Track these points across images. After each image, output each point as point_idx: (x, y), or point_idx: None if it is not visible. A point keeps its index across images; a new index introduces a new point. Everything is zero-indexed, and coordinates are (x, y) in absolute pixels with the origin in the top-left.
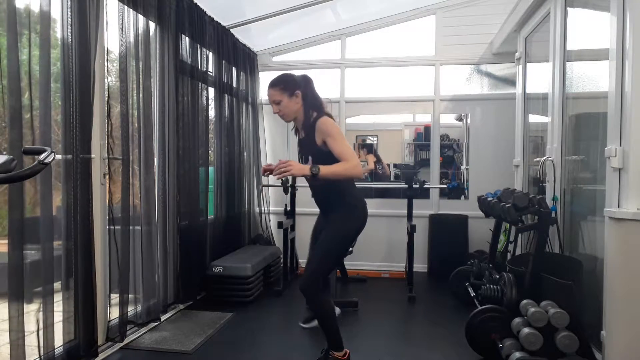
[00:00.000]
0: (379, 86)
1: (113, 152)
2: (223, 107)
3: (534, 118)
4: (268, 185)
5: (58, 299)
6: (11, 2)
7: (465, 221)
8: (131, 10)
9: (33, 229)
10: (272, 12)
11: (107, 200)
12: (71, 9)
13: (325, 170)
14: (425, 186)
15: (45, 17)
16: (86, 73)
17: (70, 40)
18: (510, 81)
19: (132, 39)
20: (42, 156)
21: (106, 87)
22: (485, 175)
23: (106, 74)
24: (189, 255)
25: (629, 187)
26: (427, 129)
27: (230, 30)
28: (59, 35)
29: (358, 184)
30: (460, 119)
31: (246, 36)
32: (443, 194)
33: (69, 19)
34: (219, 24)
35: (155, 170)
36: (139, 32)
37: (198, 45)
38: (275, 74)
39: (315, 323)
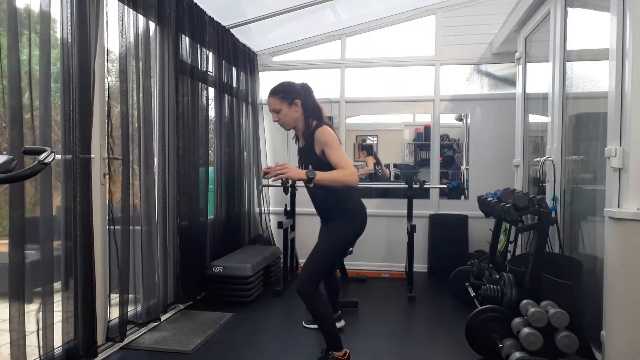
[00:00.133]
0: (379, 86)
1: (113, 152)
2: (223, 107)
3: (534, 118)
4: (268, 186)
5: (58, 299)
6: (11, 2)
7: (465, 221)
8: (131, 10)
9: (33, 229)
10: (272, 12)
11: (107, 200)
12: (71, 9)
13: (321, 175)
14: (425, 186)
15: (45, 17)
16: (86, 73)
17: (70, 40)
18: (510, 81)
19: (132, 39)
20: (42, 156)
21: (106, 87)
22: (485, 175)
23: (106, 74)
24: (189, 255)
25: (629, 187)
26: (427, 129)
27: (230, 30)
28: (59, 35)
29: (359, 183)
30: (460, 119)
31: (246, 36)
32: (443, 194)
33: (69, 19)
34: (219, 24)
35: (155, 170)
36: (139, 32)
37: (198, 45)
38: (275, 74)
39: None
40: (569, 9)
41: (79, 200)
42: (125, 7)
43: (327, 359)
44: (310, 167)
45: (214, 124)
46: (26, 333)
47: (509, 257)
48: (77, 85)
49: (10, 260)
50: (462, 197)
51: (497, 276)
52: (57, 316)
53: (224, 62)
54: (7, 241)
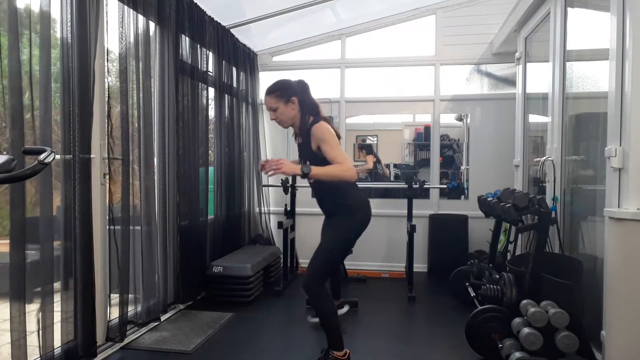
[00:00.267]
0: (379, 86)
1: (113, 152)
2: (223, 107)
3: (534, 118)
4: (268, 185)
5: (57, 299)
6: (11, 2)
7: (465, 221)
8: (131, 10)
9: (33, 228)
10: (272, 12)
11: (107, 200)
12: (71, 9)
13: (316, 170)
14: (425, 186)
15: (45, 17)
16: (86, 73)
17: (70, 40)
18: (510, 81)
19: (132, 39)
20: (42, 156)
21: (106, 87)
22: (485, 175)
23: (106, 74)
24: (189, 255)
25: (629, 187)
26: (427, 129)
27: (230, 30)
28: (59, 35)
29: (358, 184)
30: (460, 119)
31: (246, 36)
32: (443, 194)
33: (69, 19)
34: (219, 24)
35: (155, 170)
36: (139, 32)
37: (198, 45)
38: (275, 74)
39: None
40: (569, 9)
41: (78, 200)
42: (125, 7)
43: (327, 358)
44: (307, 162)
45: (214, 124)
46: (27, 333)
47: (509, 257)
48: (77, 85)
49: (11, 260)
50: (462, 197)
51: (497, 276)
52: (57, 316)
53: (224, 62)
54: (6, 241)
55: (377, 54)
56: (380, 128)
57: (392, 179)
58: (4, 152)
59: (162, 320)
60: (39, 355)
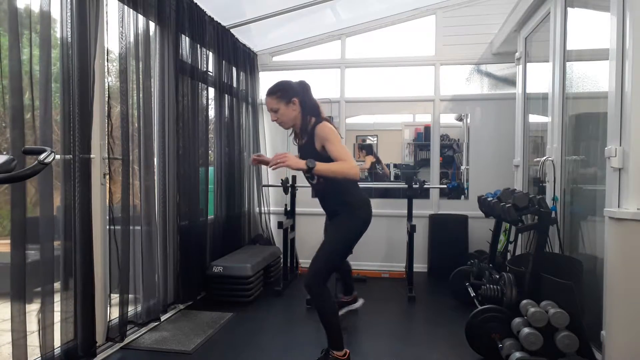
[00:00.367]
0: (379, 86)
1: (113, 152)
2: (223, 107)
3: (534, 118)
4: (268, 185)
5: (57, 299)
6: (11, 2)
7: (465, 221)
8: (131, 10)
9: (34, 228)
10: (272, 12)
11: (107, 200)
12: (71, 9)
13: (320, 166)
14: (425, 186)
15: (45, 17)
16: (86, 73)
17: (70, 40)
18: (510, 81)
19: (132, 39)
20: (42, 156)
21: (106, 87)
22: (485, 175)
23: (106, 74)
24: (189, 255)
25: (629, 187)
26: (427, 129)
27: (230, 30)
28: (59, 35)
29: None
30: (460, 119)
31: (246, 36)
32: (443, 194)
33: (69, 19)
34: (219, 24)
35: (155, 170)
36: (139, 32)
37: (198, 45)
38: (275, 74)
39: (340, 313)
40: (569, 9)
41: (78, 200)
42: (125, 7)
43: (327, 358)
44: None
45: (214, 124)
46: (27, 333)
47: (509, 257)
48: (77, 85)
49: (12, 260)
50: (462, 197)
51: (497, 276)
52: (57, 316)
53: (224, 62)
54: (6, 241)
55: (377, 54)
56: (380, 128)
57: (392, 178)
58: (4, 152)
59: (162, 320)
60: (39, 355)
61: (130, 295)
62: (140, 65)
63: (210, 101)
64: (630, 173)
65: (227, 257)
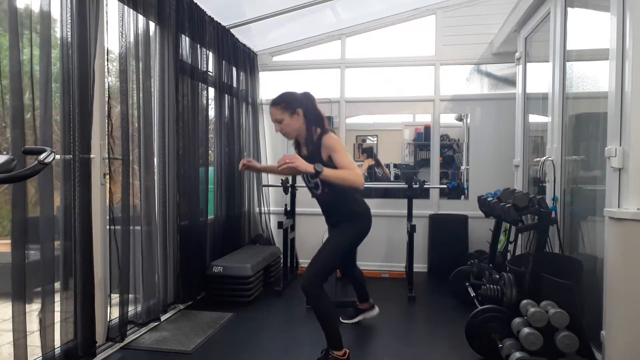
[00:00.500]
0: (379, 86)
1: (113, 152)
2: (223, 107)
3: (534, 118)
4: (268, 185)
5: (57, 299)
6: (11, 2)
7: (465, 221)
8: (131, 10)
9: (34, 228)
10: (272, 12)
11: (107, 200)
12: (71, 9)
13: (328, 171)
14: (425, 186)
15: (45, 17)
16: (86, 73)
17: (70, 40)
18: (510, 81)
19: (132, 39)
20: (42, 156)
21: (106, 87)
22: (485, 175)
23: (106, 74)
24: (189, 255)
25: (629, 187)
26: (427, 129)
27: (230, 30)
28: (59, 35)
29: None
30: (460, 119)
31: (246, 36)
32: (443, 194)
33: (69, 19)
34: (219, 24)
35: (155, 170)
36: (139, 32)
37: (198, 45)
38: (275, 74)
39: (356, 319)
40: (569, 9)
41: (78, 200)
42: (125, 7)
43: (327, 358)
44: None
45: (214, 124)
46: (27, 333)
47: (509, 257)
48: (77, 85)
49: (12, 260)
50: (462, 197)
51: (497, 276)
52: (57, 316)
53: (224, 62)
54: (6, 241)
55: (377, 54)
56: (380, 128)
57: (392, 179)
58: (4, 152)
59: (162, 320)
60: (39, 355)
61: (130, 295)
62: (140, 65)
63: (210, 101)
64: (630, 173)
65: (227, 257)
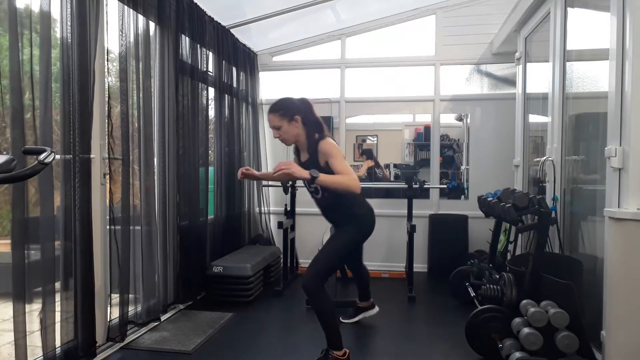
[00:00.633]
0: (379, 86)
1: (113, 152)
2: (223, 107)
3: (534, 118)
4: (268, 186)
5: (57, 299)
6: (11, 2)
7: (465, 221)
8: (131, 10)
9: (34, 228)
10: (272, 12)
11: (107, 200)
12: (71, 9)
13: (324, 177)
14: (425, 186)
15: (45, 17)
16: (86, 73)
17: (70, 40)
18: (510, 81)
19: (132, 39)
20: (42, 156)
21: (106, 87)
22: (485, 175)
23: (106, 74)
24: (189, 255)
25: (629, 187)
26: (427, 129)
27: (230, 30)
28: (59, 35)
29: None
30: (460, 119)
31: (246, 36)
32: (443, 194)
33: (69, 19)
34: (219, 24)
35: (155, 170)
36: (139, 32)
37: (198, 45)
38: (275, 74)
39: (356, 319)
40: (569, 9)
41: (78, 200)
42: (125, 7)
43: (327, 358)
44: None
45: (214, 124)
46: (27, 333)
47: (509, 257)
48: (77, 85)
49: (12, 260)
50: (462, 197)
51: (497, 276)
52: (58, 316)
53: (224, 62)
54: (6, 241)
55: (377, 54)
56: (380, 128)
57: (392, 179)
58: (4, 152)
59: (162, 320)
60: (40, 355)
61: (130, 295)
62: (140, 65)
63: (210, 101)
64: (630, 173)
65: (227, 257)
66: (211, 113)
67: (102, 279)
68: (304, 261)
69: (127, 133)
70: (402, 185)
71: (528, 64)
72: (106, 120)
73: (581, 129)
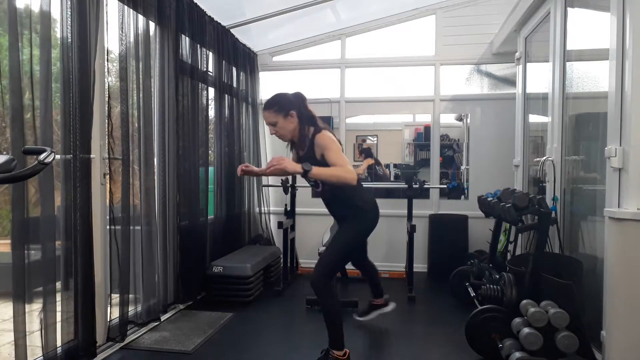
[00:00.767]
0: (379, 86)
1: (113, 152)
2: (223, 107)
3: (534, 118)
4: (268, 185)
5: (58, 298)
6: (11, 2)
7: (465, 221)
8: (131, 10)
9: (34, 228)
10: (272, 12)
11: (107, 200)
12: (71, 9)
13: (317, 170)
14: (425, 186)
15: (45, 17)
16: (86, 73)
17: (70, 40)
18: (510, 81)
19: (132, 39)
20: (42, 156)
21: (106, 87)
22: (485, 175)
23: (106, 74)
24: (189, 255)
25: (629, 187)
26: (427, 129)
27: (230, 30)
28: (59, 35)
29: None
30: (460, 119)
31: (246, 36)
32: (443, 194)
33: (69, 19)
34: (219, 24)
35: (155, 170)
36: (139, 32)
37: (198, 45)
38: (275, 74)
39: (370, 316)
40: (569, 9)
41: (79, 200)
42: (125, 7)
43: (327, 358)
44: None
45: (214, 124)
46: (27, 333)
47: (509, 257)
48: (77, 85)
49: (13, 260)
50: (462, 197)
51: (497, 276)
52: (58, 316)
53: (224, 62)
54: (6, 241)
55: (377, 54)
56: (380, 128)
57: (392, 178)
58: (4, 152)
59: (162, 320)
60: (40, 355)
61: (130, 295)
62: (140, 65)
63: (210, 101)
64: (630, 173)
65: (227, 257)
66: (211, 113)
67: (102, 279)
68: (304, 261)
69: (127, 133)
70: (402, 185)
71: (528, 64)
72: (106, 120)
73: (581, 129)
